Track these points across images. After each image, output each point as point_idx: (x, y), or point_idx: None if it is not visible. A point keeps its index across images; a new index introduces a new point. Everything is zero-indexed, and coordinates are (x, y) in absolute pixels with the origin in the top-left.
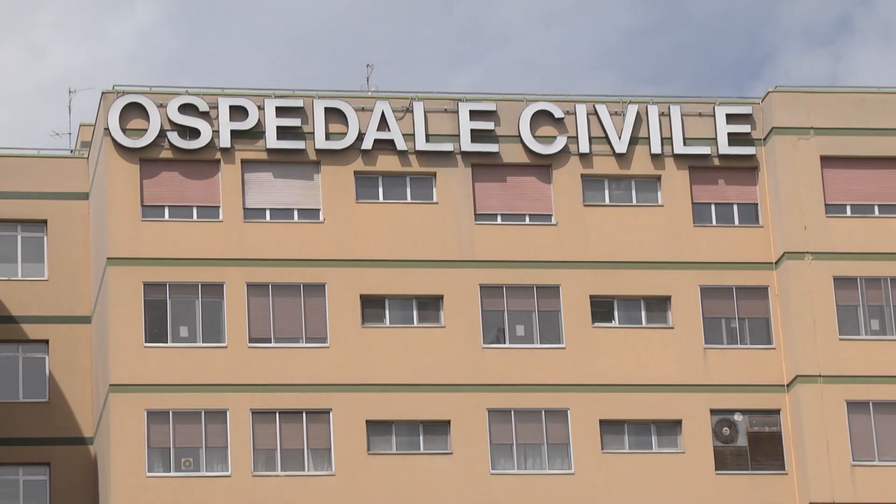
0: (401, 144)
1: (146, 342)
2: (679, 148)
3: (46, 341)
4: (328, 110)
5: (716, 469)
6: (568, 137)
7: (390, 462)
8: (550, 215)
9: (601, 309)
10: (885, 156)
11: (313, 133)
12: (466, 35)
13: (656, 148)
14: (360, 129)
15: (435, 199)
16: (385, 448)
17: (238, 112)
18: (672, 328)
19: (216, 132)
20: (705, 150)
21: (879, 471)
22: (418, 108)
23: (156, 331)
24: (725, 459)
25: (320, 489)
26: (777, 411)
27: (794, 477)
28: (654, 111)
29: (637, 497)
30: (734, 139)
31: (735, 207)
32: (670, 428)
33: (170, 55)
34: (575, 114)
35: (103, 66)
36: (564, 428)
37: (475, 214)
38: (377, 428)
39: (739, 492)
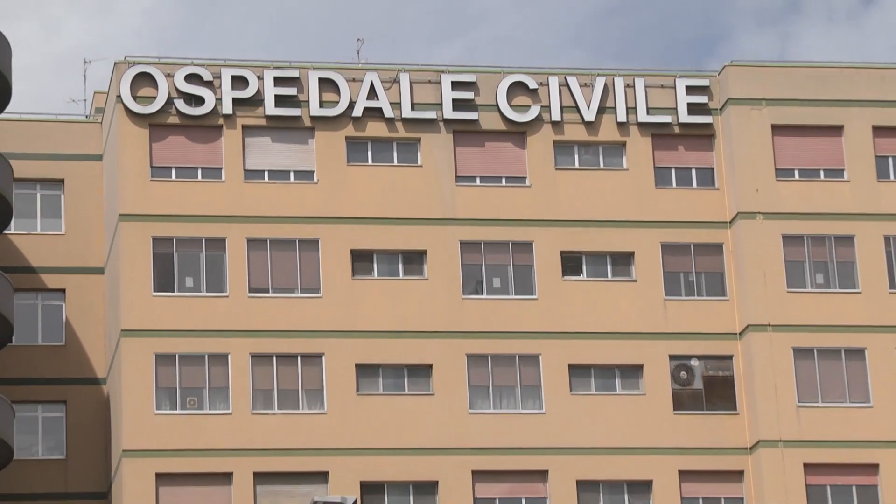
0: (388, 112)
1: (155, 291)
2: (642, 117)
3: (63, 290)
4: (322, 80)
5: (674, 409)
6: (541, 107)
7: (377, 402)
8: (525, 178)
9: (570, 263)
10: (829, 125)
11: (308, 101)
12: (448, 13)
13: (622, 117)
14: (350, 98)
15: (419, 163)
16: (373, 389)
17: (239, 81)
18: (635, 281)
19: (219, 100)
20: (666, 119)
21: (822, 411)
22: (404, 80)
23: (163, 281)
24: (683, 401)
25: (313, 426)
26: (730, 357)
27: (745, 417)
28: (619, 83)
29: (602, 435)
30: (693, 109)
31: (693, 171)
32: (632, 372)
33: (175, 29)
34: (548, 85)
35: (114, 39)
36: (536, 372)
37: (456, 177)
38: (365, 371)
39: (695, 430)
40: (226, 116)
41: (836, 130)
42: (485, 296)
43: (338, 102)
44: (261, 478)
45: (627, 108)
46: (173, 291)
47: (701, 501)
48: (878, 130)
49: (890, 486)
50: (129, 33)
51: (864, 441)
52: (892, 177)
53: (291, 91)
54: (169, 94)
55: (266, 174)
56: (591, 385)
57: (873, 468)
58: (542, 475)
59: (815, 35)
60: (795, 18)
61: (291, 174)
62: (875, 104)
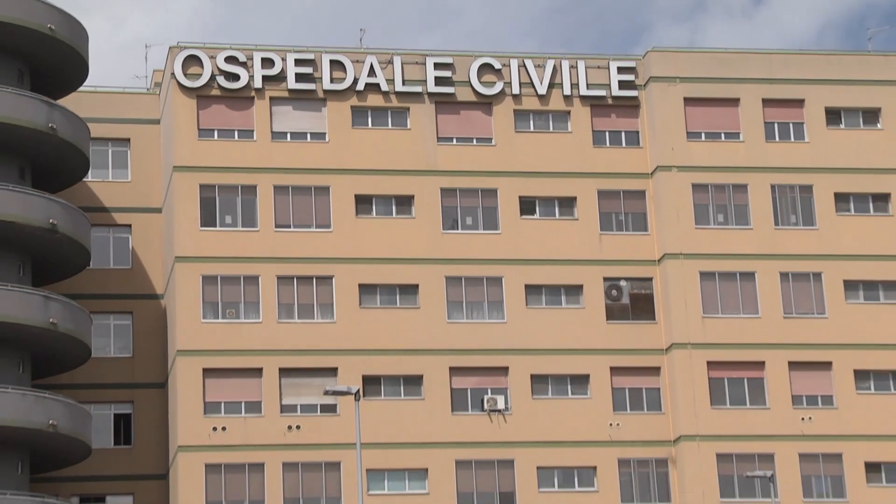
0: (384, 87)
1: (201, 227)
2: (583, 91)
3: (129, 225)
4: (332, 62)
5: (606, 319)
6: (504, 83)
7: (375, 314)
8: (491, 139)
9: (526, 206)
10: (728, 97)
11: (321, 78)
12: (431, 10)
13: (567, 91)
14: (355, 76)
15: (409, 127)
16: (371, 304)
17: (267, 62)
18: (577, 220)
19: (251, 77)
20: (602, 93)
21: (721, 321)
22: (397, 62)
23: (208, 218)
24: (613, 313)
25: (325, 332)
26: (650, 279)
27: (662, 325)
28: (565, 65)
29: (550, 339)
30: (622, 85)
31: (622, 134)
32: (575, 291)
33: (216, 21)
34: (509, 66)
35: (168, 29)
36: (499, 290)
37: (437, 138)
38: (366, 289)
39: (622, 336)
40: (256, 90)
41: (734, 102)
42: (459, 231)
43: (344, 79)
44: (284, 372)
45: (571, 85)
46: (216, 227)
47: (627, 391)
48: (767, 102)
49: (773, 379)
50: (180, 24)
51: (754, 343)
52: (777, 138)
53: (308, 70)
54: (212, 72)
55: (288, 135)
56: (542, 301)
57: (760, 365)
58: (503, 370)
59: (717, 27)
60: (702, 15)
61: (308, 135)
62: (764, 81)
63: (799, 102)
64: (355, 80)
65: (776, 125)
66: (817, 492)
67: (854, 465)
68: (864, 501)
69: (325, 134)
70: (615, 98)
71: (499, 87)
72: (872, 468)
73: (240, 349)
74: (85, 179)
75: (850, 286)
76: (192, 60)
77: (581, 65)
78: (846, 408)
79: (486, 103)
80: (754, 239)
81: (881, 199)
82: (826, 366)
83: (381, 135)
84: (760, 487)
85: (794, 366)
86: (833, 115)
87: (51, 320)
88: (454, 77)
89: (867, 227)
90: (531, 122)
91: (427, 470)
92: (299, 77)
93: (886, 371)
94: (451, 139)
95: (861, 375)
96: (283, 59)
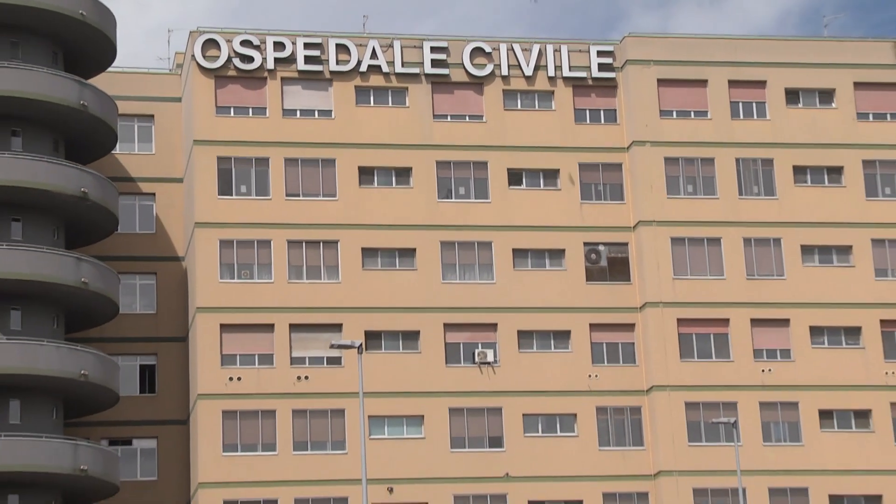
0: (385, 69)
1: (219, 195)
2: (566, 73)
3: (153, 194)
4: (338, 45)
5: (586, 280)
6: (493, 65)
7: (377, 275)
8: (482, 116)
9: (514, 177)
10: (697, 79)
11: (328, 60)
12: None
13: (551, 73)
14: (358, 58)
15: (407, 105)
16: (373, 266)
17: (279, 46)
18: (559, 189)
19: (264, 59)
20: (583, 74)
21: (690, 282)
22: (396, 45)
23: (225, 188)
24: (592, 274)
25: (331, 292)
26: (626, 244)
27: (636, 286)
28: (549, 49)
29: (535, 299)
30: (601, 67)
31: (601, 112)
32: (558, 254)
33: (233, 7)
34: (499, 50)
35: (188, 15)
36: (489, 254)
37: (433, 115)
38: (368, 253)
39: (601, 295)
40: (269, 71)
41: (702, 83)
42: (453, 200)
43: (349, 61)
44: (294, 327)
45: (555, 67)
46: (232, 195)
47: (604, 345)
48: (732, 83)
49: (737, 334)
50: (200, 10)
51: (720, 302)
52: (741, 116)
53: (316, 53)
54: (228, 54)
55: (298, 112)
56: (528, 264)
57: (725, 321)
58: (493, 327)
59: (687, 15)
60: (673, 3)
61: (316, 112)
62: (729, 64)
63: (761, 83)
64: (359, 63)
65: (740, 104)
66: (775, 437)
67: (809, 412)
68: (817, 445)
69: (331, 111)
70: (594, 79)
71: (489, 68)
72: (826, 415)
73: (253, 307)
74: (113, 152)
75: (807, 250)
76: (211, 44)
77: (564, 49)
78: (802, 360)
79: (477, 84)
80: (720, 207)
81: (835, 172)
82: (784, 322)
83: (382, 112)
84: (724, 433)
85: (755, 322)
86: (792, 95)
87: (82, 280)
88: (448, 60)
89: (822, 197)
90: (518, 101)
91: (423, 417)
92: (308, 59)
93: (839, 327)
94: (445, 116)
95: (816, 331)
96: (294, 43)
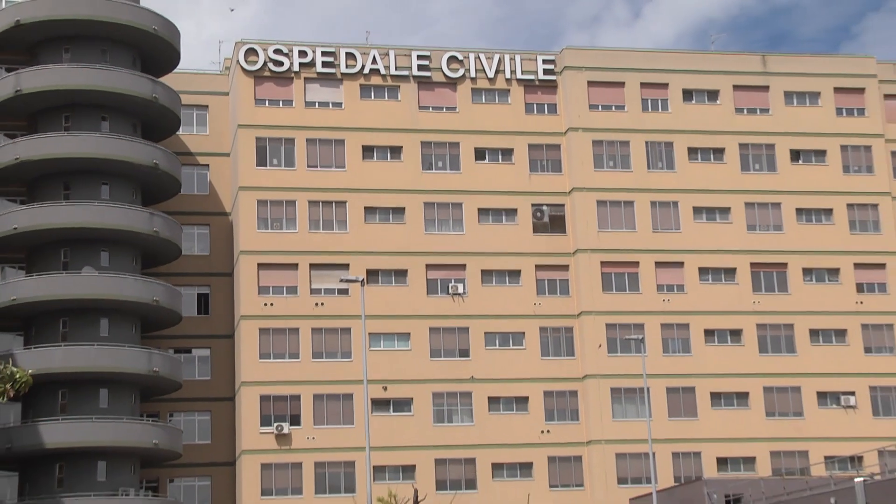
0: (383, 71)
1: (256, 166)
2: (519, 76)
3: (207, 165)
4: (347, 53)
5: (533, 232)
6: (464, 70)
7: (375, 227)
8: (455, 107)
9: (480, 154)
10: (617, 81)
11: (339, 64)
12: (415, 19)
13: (508, 76)
14: (362, 63)
15: (399, 99)
16: (373, 221)
17: (302, 53)
18: (514, 164)
19: (291, 63)
20: (531, 77)
21: (613, 234)
22: (391, 54)
23: (261, 161)
24: (538, 228)
25: (341, 240)
26: (563, 205)
27: (571, 237)
28: (507, 58)
29: (495, 246)
30: (545, 72)
31: (545, 105)
32: (512, 213)
33: (267, 24)
34: (468, 58)
35: (235, 30)
36: (461, 212)
37: (419, 107)
38: (369, 211)
39: (544, 244)
40: (294, 72)
41: (621, 84)
42: (433, 171)
43: (356, 66)
44: (313, 266)
45: (511, 71)
46: (266, 166)
47: (546, 282)
48: (643, 84)
49: (644, 274)
50: (243, 26)
51: (632, 249)
52: (650, 110)
53: (330, 59)
54: (264, 60)
55: (316, 104)
56: (489, 220)
57: (636, 264)
58: (462, 267)
59: (609, 34)
60: (599, 24)
61: (329, 104)
62: (641, 70)
63: (664, 85)
64: (363, 67)
65: (649, 101)
66: (672, 349)
67: (697, 332)
68: (703, 356)
69: (341, 103)
70: (540, 81)
71: (461, 72)
72: (709, 333)
73: (282, 250)
74: (177, 133)
75: (697, 211)
76: (251, 52)
77: (518, 58)
78: (693, 293)
79: (452, 83)
80: (633, 179)
81: (719, 152)
82: (680, 265)
83: (380, 104)
84: (634, 346)
85: (658, 265)
86: (687, 94)
87: (154, 229)
88: (430, 65)
89: (709, 171)
90: (483, 97)
91: (409, 334)
92: (324, 64)
93: (720, 268)
94: (428, 108)
95: (703, 271)
96: (313, 51)
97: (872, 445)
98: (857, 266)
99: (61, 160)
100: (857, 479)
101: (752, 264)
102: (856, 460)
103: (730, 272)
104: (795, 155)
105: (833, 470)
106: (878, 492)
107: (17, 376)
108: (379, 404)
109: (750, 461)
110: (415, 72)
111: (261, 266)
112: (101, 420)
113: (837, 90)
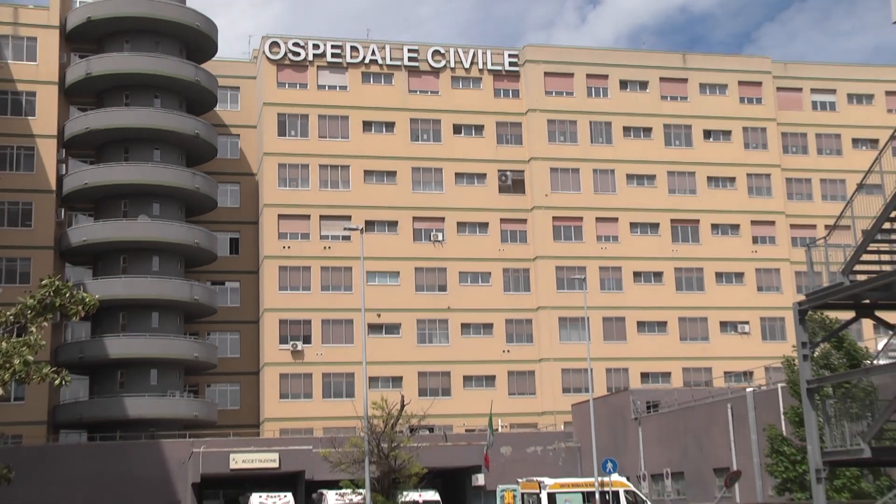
0: (380, 62)
1: (277, 136)
2: (489, 67)
3: (238, 135)
4: (351, 46)
5: (499, 192)
6: (446, 61)
7: (373, 186)
8: (438, 91)
9: (457, 129)
10: (568, 72)
11: (345, 55)
12: (407, 19)
13: (481, 66)
14: (363, 55)
15: (393, 84)
16: (371, 182)
17: (315, 46)
18: (484, 137)
19: (306, 54)
20: (499, 68)
21: (561, 194)
22: (387, 47)
23: (281, 132)
24: (503, 189)
25: (344, 196)
26: (523, 171)
27: (529, 197)
28: (479, 52)
29: (468, 202)
30: (511, 64)
31: (510, 91)
32: (482, 177)
33: (288, 22)
34: (449, 51)
35: (262, 25)
36: (441, 176)
37: (409, 90)
38: (367, 173)
39: (507, 202)
40: (309, 62)
41: (570, 75)
42: (420, 142)
43: (358, 56)
44: (322, 217)
45: (483, 62)
46: (286, 136)
47: (508, 232)
48: (588, 76)
49: (587, 227)
50: (268, 23)
51: (578, 207)
52: (594, 96)
53: (338, 51)
54: (285, 50)
55: (326, 87)
56: (464, 182)
57: (580, 218)
58: (441, 219)
59: (562, 34)
60: (553, 27)
61: (337, 87)
62: (586, 64)
63: (605, 77)
64: (364, 58)
65: (593, 89)
66: (608, 287)
67: (628, 273)
68: (631, 293)
69: (346, 87)
70: (506, 71)
71: (443, 63)
72: (637, 275)
73: (298, 204)
74: (214, 109)
75: (630, 178)
76: (274, 44)
77: (489, 52)
78: (625, 243)
79: (435, 72)
80: (579, 150)
81: (647, 132)
82: (615, 220)
83: (378, 88)
84: (578, 284)
85: (598, 220)
86: (623, 83)
87: (195, 186)
88: (418, 57)
89: (639, 146)
90: (460, 83)
91: (399, 272)
92: (333, 55)
93: (647, 223)
94: (416, 91)
95: (633, 226)
96: (324, 45)
97: (761, 363)
98: (753, 223)
99: (122, 129)
100: (748, 389)
101: (672, 220)
102: (748, 374)
103: (654, 226)
104: (707, 134)
105: (730, 382)
106: (764, 399)
107: (87, 300)
108: (374, 328)
109: (666, 375)
110: (406, 62)
111: (280, 216)
112: (153, 336)
113: (741, 83)
